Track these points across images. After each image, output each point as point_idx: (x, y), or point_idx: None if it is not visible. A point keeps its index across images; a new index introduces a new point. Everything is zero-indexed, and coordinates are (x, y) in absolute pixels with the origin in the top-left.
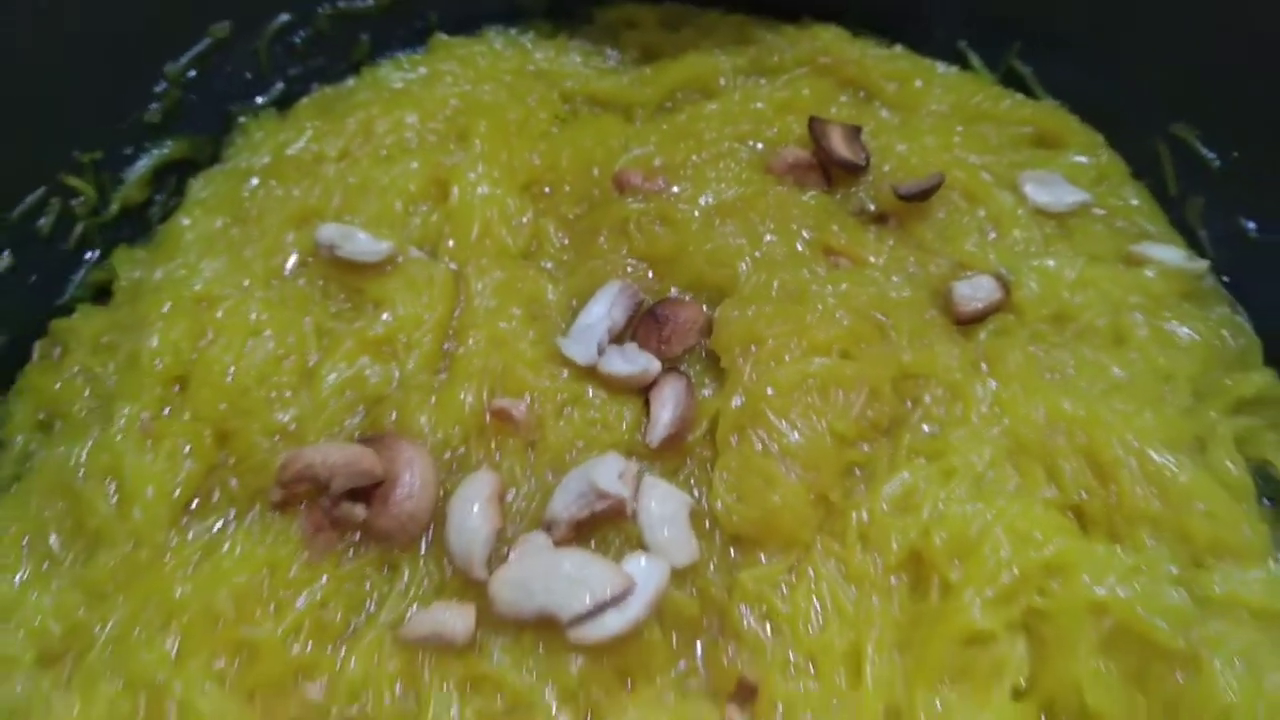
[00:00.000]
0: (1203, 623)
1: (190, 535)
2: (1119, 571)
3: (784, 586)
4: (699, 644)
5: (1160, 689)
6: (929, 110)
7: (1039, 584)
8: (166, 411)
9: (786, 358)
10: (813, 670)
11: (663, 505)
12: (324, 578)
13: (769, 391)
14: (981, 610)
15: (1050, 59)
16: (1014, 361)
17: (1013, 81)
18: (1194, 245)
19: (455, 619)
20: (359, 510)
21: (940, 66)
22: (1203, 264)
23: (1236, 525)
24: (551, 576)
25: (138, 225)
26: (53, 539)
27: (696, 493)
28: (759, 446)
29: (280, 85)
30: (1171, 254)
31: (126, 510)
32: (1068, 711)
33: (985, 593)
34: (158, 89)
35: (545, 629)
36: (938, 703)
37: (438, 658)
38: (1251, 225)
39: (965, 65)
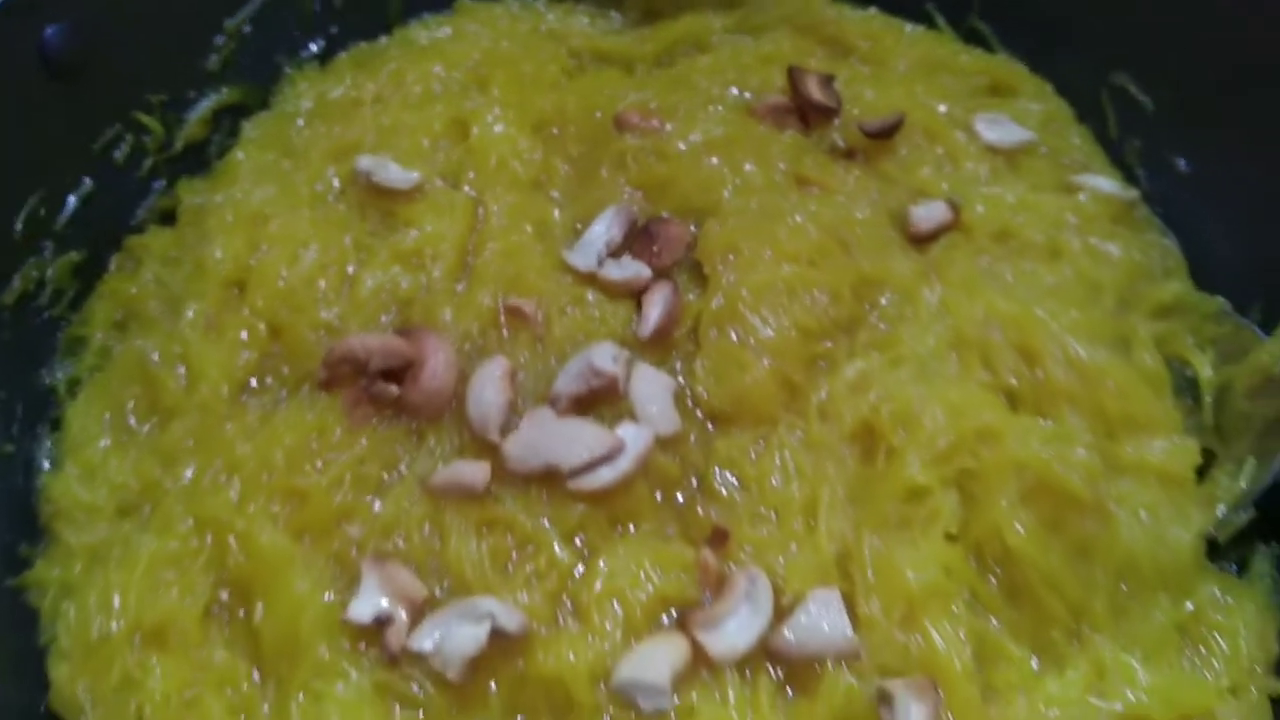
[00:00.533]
0: (1112, 481)
1: (249, 408)
2: (1040, 437)
3: (753, 453)
4: (679, 498)
5: (1072, 535)
6: (897, 63)
7: (970, 448)
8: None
9: (760, 265)
10: (775, 519)
11: (650, 385)
12: (363, 441)
13: (744, 293)
14: (920, 468)
15: (1007, 18)
16: (959, 270)
17: (974, 39)
18: (1132, 181)
19: (473, 471)
20: (392, 388)
21: (908, 26)
22: (1134, 192)
23: (1146, 402)
24: (555, 438)
25: (198, 160)
26: (130, 417)
27: (680, 380)
28: (735, 339)
29: (322, 42)
30: (1105, 183)
31: (195, 388)
32: (993, 554)
33: (924, 455)
34: (217, 42)
35: (549, 482)
36: (879, 543)
37: (458, 504)
38: (1182, 162)
39: (931, 25)
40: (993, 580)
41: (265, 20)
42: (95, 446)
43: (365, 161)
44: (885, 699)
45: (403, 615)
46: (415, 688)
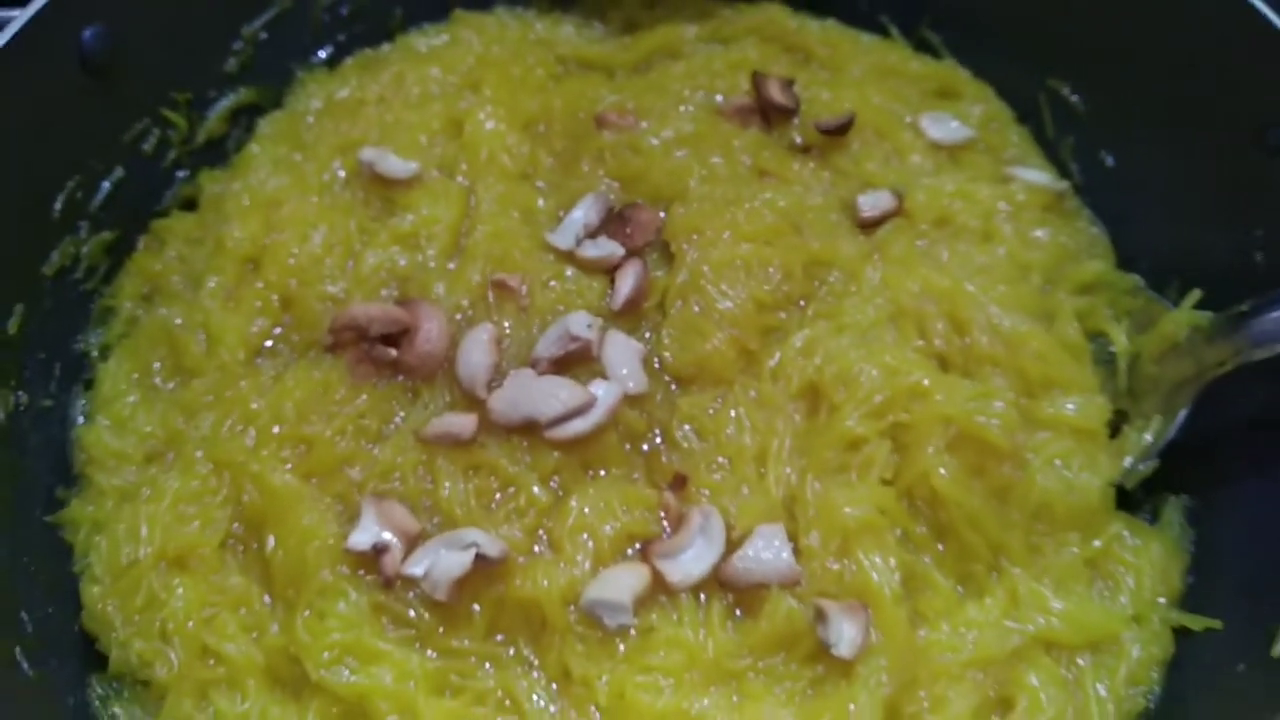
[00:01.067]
0: (1029, 433)
1: (263, 369)
2: (965, 394)
3: (711, 410)
4: (645, 448)
5: (992, 480)
6: (852, 69)
7: (903, 404)
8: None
9: (721, 245)
10: (729, 466)
11: (621, 350)
12: (363, 397)
13: (706, 270)
14: (857, 421)
15: (954, 28)
16: (899, 250)
17: (923, 47)
18: (1066, 175)
19: (462, 422)
20: (391, 351)
21: (864, 36)
22: (1064, 184)
23: (1064, 366)
24: (534, 393)
25: (218, 153)
26: (156, 377)
27: (648, 345)
28: (697, 310)
29: (330, 48)
30: (1037, 175)
31: (214, 351)
32: (921, 496)
33: (861, 410)
34: (235, 47)
35: (529, 432)
36: (820, 486)
37: (448, 451)
38: (1110, 158)
39: (885, 34)
40: (921, 520)
41: (279, 28)
42: (124, 402)
43: (368, 154)
44: (821, 617)
45: (398, 544)
46: (409, 611)
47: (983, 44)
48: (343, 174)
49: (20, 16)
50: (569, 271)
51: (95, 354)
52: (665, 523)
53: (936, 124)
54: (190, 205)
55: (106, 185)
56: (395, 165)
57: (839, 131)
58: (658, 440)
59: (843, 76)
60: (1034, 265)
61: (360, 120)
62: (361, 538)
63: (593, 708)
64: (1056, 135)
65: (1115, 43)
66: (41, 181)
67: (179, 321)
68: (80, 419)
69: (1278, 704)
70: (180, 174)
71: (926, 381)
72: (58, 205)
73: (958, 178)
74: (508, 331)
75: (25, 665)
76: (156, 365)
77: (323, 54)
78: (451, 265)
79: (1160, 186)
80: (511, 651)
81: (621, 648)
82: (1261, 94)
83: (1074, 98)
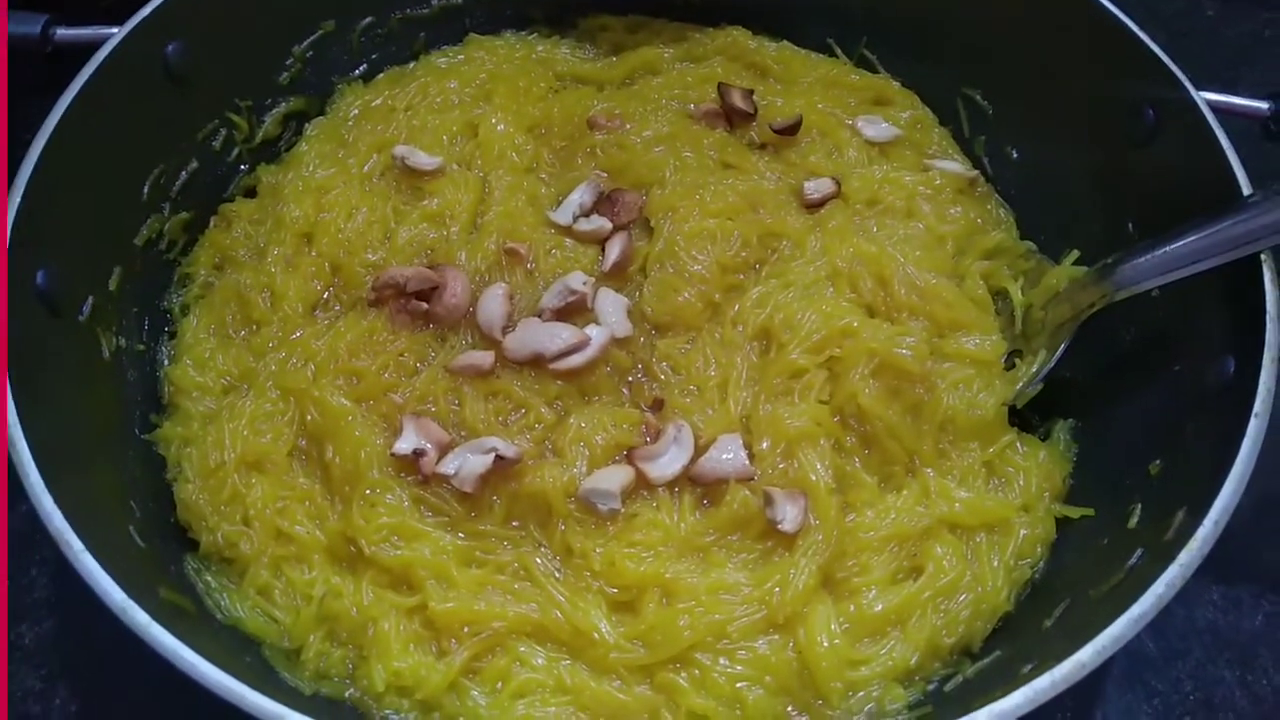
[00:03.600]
0: (938, 363)
1: (318, 319)
2: (886, 333)
3: (683, 350)
4: (630, 380)
5: (907, 399)
6: (802, 81)
7: (836, 342)
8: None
9: (692, 219)
10: (697, 393)
11: (610, 303)
12: (401, 340)
13: (679, 240)
14: (800, 355)
15: (887, 48)
16: (836, 225)
17: (862, 63)
18: (979, 167)
19: (482, 357)
20: (423, 305)
21: (813, 55)
22: (975, 171)
23: (969, 313)
24: (540, 334)
25: (273, 151)
26: (229, 329)
27: (632, 300)
28: (672, 271)
29: (365, 65)
30: (952, 164)
31: (278, 306)
32: (851, 413)
33: (803, 347)
34: (288, 63)
35: (536, 365)
36: (770, 407)
37: (471, 380)
38: (1015, 153)
39: (831, 53)
40: (850, 431)
41: (323, 48)
42: (204, 347)
43: (400, 150)
44: (769, 501)
45: (433, 450)
46: (443, 502)
47: (911, 60)
48: (380, 166)
49: (118, 34)
50: (567, 242)
51: (177, 310)
52: (646, 435)
53: (870, 125)
54: (251, 194)
55: (184, 174)
56: (422, 159)
57: (789, 132)
58: (640, 374)
59: (793, 87)
60: (948, 236)
61: (392, 123)
62: (404, 445)
63: (588, 574)
64: (971, 134)
65: (1016, 57)
66: (133, 169)
67: (247, 283)
68: (167, 362)
69: (1127, 558)
70: (242, 168)
71: (855, 324)
72: (146, 189)
73: (886, 168)
74: (518, 288)
75: (138, 539)
76: (229, 319)
77: (359, 70)
78: (472, 235)
79: (1053, 173)
80: (524, 533)
81: (611, 528)
82: (1128, 84)
83: (985, 103)
